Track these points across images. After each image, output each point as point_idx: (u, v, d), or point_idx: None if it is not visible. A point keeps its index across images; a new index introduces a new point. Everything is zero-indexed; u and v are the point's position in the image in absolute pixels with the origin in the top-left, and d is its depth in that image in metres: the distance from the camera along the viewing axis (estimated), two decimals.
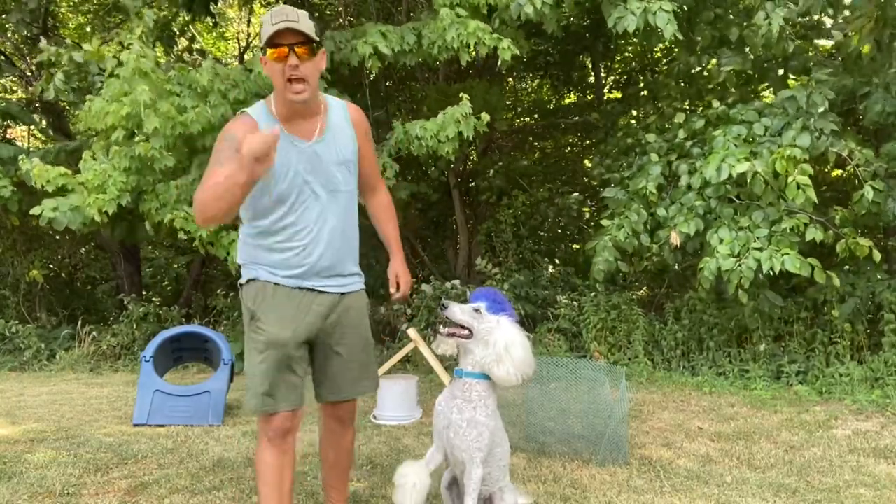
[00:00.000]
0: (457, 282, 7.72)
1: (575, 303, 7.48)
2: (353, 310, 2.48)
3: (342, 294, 2.44)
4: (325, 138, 2.30)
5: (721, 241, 5.36)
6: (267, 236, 2.32)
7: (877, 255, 5.19)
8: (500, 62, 5.75)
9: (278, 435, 2.30)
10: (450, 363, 5.17)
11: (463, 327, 2.44)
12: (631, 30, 5.28)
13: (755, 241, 5.23)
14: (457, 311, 2.42)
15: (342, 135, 2.36)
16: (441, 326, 2.44)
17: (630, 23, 5.26)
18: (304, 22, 2.15)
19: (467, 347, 2.47)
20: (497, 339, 2.43)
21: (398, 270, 2.67)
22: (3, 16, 9.21)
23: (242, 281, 2.41)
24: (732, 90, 6.51)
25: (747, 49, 5.96)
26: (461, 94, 5.94)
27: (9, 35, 9.88)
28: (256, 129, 2.16)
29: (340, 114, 2.38)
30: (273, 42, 2.13)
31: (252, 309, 2.32)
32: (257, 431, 2.40)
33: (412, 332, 5.19)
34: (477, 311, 2.46)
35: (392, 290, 2.66)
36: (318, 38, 2.20)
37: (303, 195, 2.28)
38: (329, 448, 2.63)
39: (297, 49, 2.11)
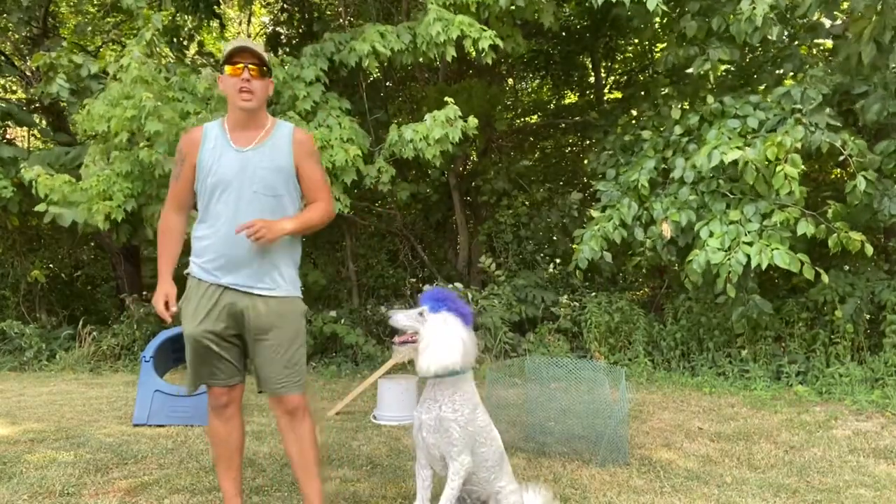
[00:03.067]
0: (459, 284, 7.70)
1: (576, 303, 7.48)
2: (277, 314, 2.58)
3: (262, 296, 2.57)
4: (261, 148, 2.61)
5: (711, 234, 5.35)
6: (199, 224, 2.64)
7: (868, 249, 5.17)
8: (483, 55, 5.76)
9: (217, 406, 2.73)
10: None
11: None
12: None
13: (745, 235, 5.22)
14: (401, 318, 2.50)
15: (279, 149, 2.65)
16: (395, 337, 2.53)
17: None
18: (259, 49, 2.59)
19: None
20: (424, 334, 2.49)
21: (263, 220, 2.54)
22: (4, 16, 9.20)
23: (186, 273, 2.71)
24: (717, 86, 6.49)
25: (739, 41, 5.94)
26: (446, 99, 5.94)
27: (9, 35, 9.87)
28: (199, 139, 2.62)
29: (285, 132, 2.69)
30: (232, 60, 2.56)
31: (180, 305, 2.66)
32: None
33: None
34: (421, 314, 2.52)
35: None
36: (269, 66, 2.64)
37: (227, 191, 2.56)
38: (290, 444, 2.69)
39: (250, 67, 2.55)
